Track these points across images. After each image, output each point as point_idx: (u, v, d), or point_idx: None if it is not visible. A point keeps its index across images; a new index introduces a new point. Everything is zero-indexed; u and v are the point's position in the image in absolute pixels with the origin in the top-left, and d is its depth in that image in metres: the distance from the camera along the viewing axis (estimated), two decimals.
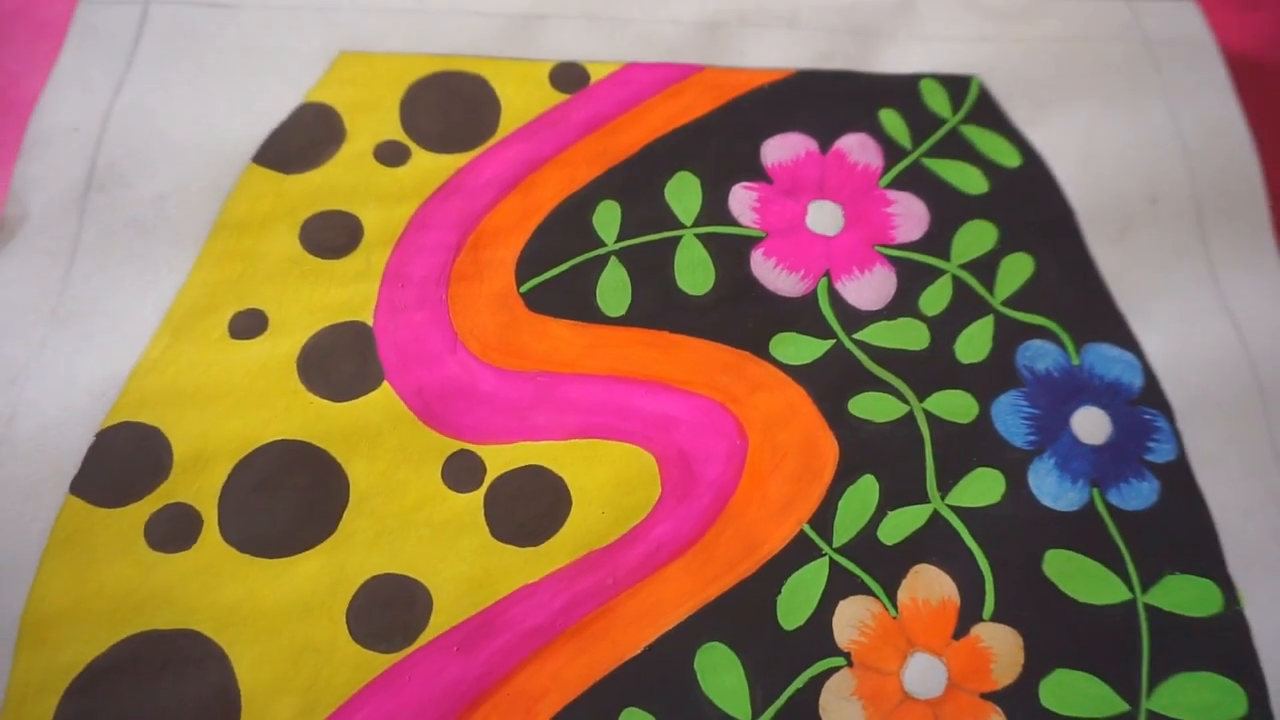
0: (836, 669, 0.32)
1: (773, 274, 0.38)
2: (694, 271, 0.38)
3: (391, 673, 0.30)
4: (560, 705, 0.31)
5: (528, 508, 0.33)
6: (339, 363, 0.35)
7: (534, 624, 0.32)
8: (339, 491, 0.33)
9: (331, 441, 0.33)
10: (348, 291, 0.36)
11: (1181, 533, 0.35)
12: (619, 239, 0.39)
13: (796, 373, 0.37)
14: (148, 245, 0.36)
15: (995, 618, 0.33)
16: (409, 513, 0.33)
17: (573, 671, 0.31)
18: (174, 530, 0.31)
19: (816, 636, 0.32)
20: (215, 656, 0.30)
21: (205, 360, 0.34)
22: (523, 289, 0.37)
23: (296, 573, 0.31)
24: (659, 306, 0.37)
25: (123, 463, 0.32)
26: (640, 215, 0.39)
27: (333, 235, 0.37)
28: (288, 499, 0.32)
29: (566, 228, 0.39)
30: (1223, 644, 0.33)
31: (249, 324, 0.35)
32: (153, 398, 0.33)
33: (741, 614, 0.32)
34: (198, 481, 0.32)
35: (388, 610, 0.31)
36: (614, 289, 0.37)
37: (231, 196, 0.37)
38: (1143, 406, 0.37)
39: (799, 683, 0.32)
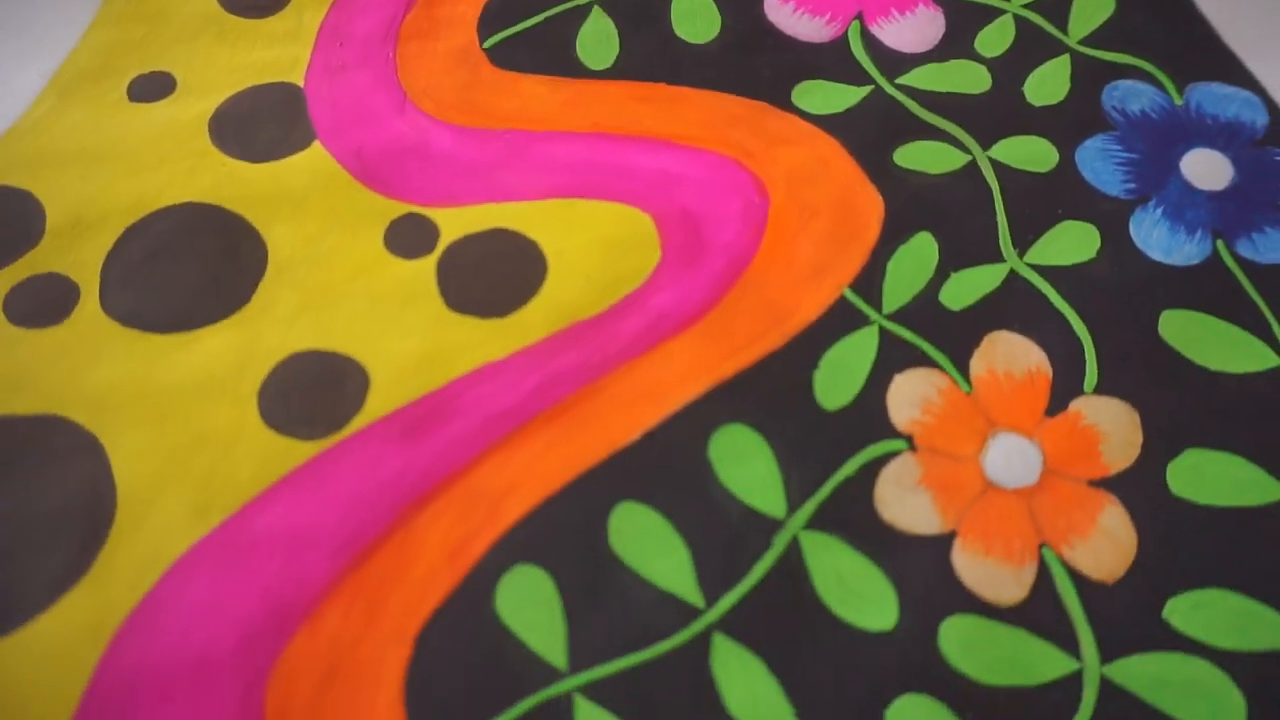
0: (895, 454, 0.24)
1: (791, 19, 0.31)
2: (694, 19, 0.31)
3: (314, 464, 0.23)
4: (532, 503, 0.23)
5: (492, 275, 0.26)
6: (260, 125, 0.28)
7: (499, 408, 0.24)
8: (254, 260, 0.26)
9: (247, 205, 0.26)
10: (274, 53, 0.29)
11: None
12: None
13: (827, 123, 0.29)
14: (28, 11, 0.30)
15: (1101, 390, 0.25)
16: (342, 283, 0.26)
17: (549, 463, 0.24)
18: (41, 303, 0.24)
19: (868, 416, 0.25)
20: (86, 446, 0.23)
21: (96, 122, 0.27)
22: (486, 44, 0.30)
23: (196, 350, 0.24)
24: (654, 56, 0.30)
25: None
26: None
27: None
28: (189, 268, 0.25)
29: None
30: None
31: (152, 87, 0.28)
32: (26, 159, 0.26)
33: (768, 392, 0.25)
34: (75, 250, 0.25)
35: (311, 392, 0.24)
36: (598, 39, 0.30)
37: None
38: (1272, 148, 0.29)
39: (847, 470, 0.24)
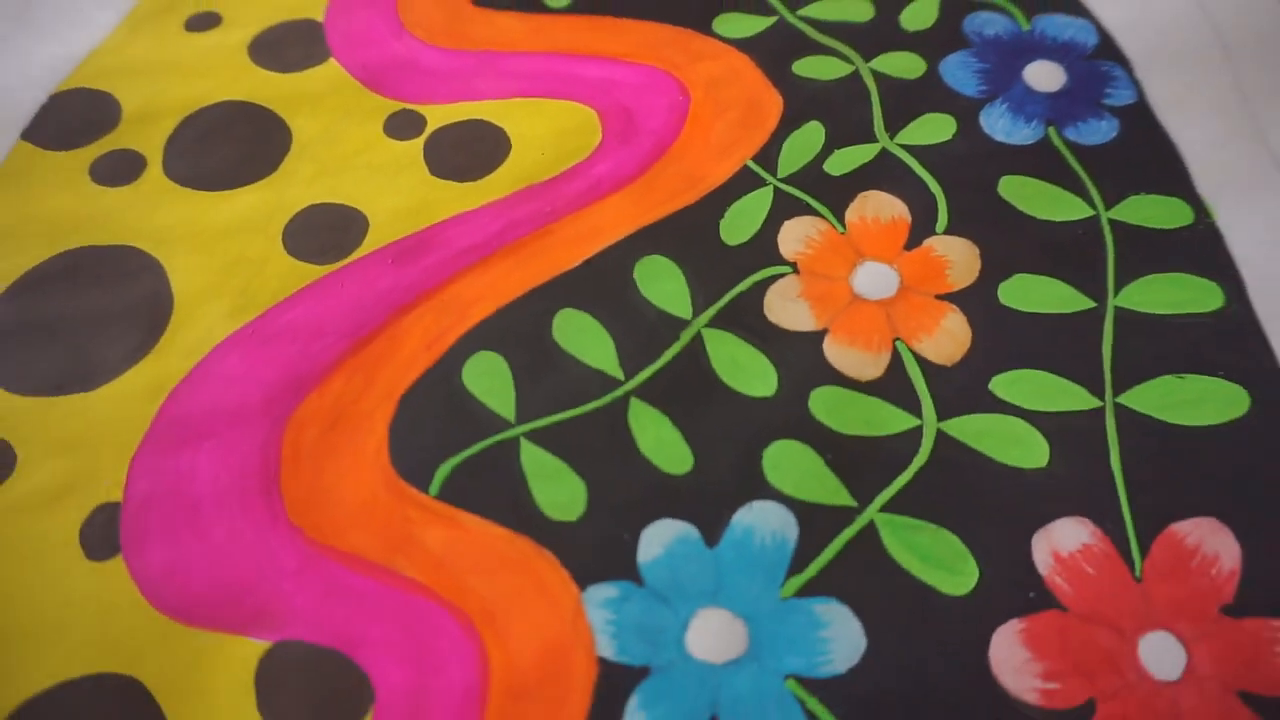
0: (782, 275, 0.29)
1: None
2: None
3: (325, 280, 0.29)
4: (493, 308, 0.28)
5: (467, 151, 0.31)
6: (288, 47, 0.34)
7: (470, 243, 0.30)
8: (281, 140, 0.32)
9: (276, 102, 0.33)
10: None
11: (1145, 162, 0.32)
12: None
13: (740, 44, 0.35)
14: None
15: (950, 232, 0.30)
16: (349, 157, 0.31)
17: (508, 282, 0.29)
18: (118, 169, 0.30)
19: (761, 250, 0.30)
20: (150, 268, 0.28)
21: (160, 47, 0.34)
22: None
23: (235, 203, 0.30)
24: None
25: (73, 117, 0.32)
26: None
27: None
28: (230, 146, 0.31)
29: None
30: (1195, 250, 0.30)
31: (203, 21, 0.35)
32: (107, 71, 0.33)
33: (683, 233, 0.30)
34: (144, 133, 0.31)
35: (324, 231, 0.29)
36: None
37: None
38: (1099, 60, 0.35)
39: (743, 286, 0.29)
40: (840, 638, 0.23)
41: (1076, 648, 0.23)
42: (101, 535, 0.24)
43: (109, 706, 0.22)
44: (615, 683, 0.23)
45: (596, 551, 0.25)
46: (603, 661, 0.23)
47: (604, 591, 0.24)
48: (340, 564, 0.24)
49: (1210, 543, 0.24)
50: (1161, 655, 0.23)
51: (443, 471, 0.26)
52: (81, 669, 0.22)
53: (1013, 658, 0.23)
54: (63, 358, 0.27)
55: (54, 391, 0.26)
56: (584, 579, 0.24)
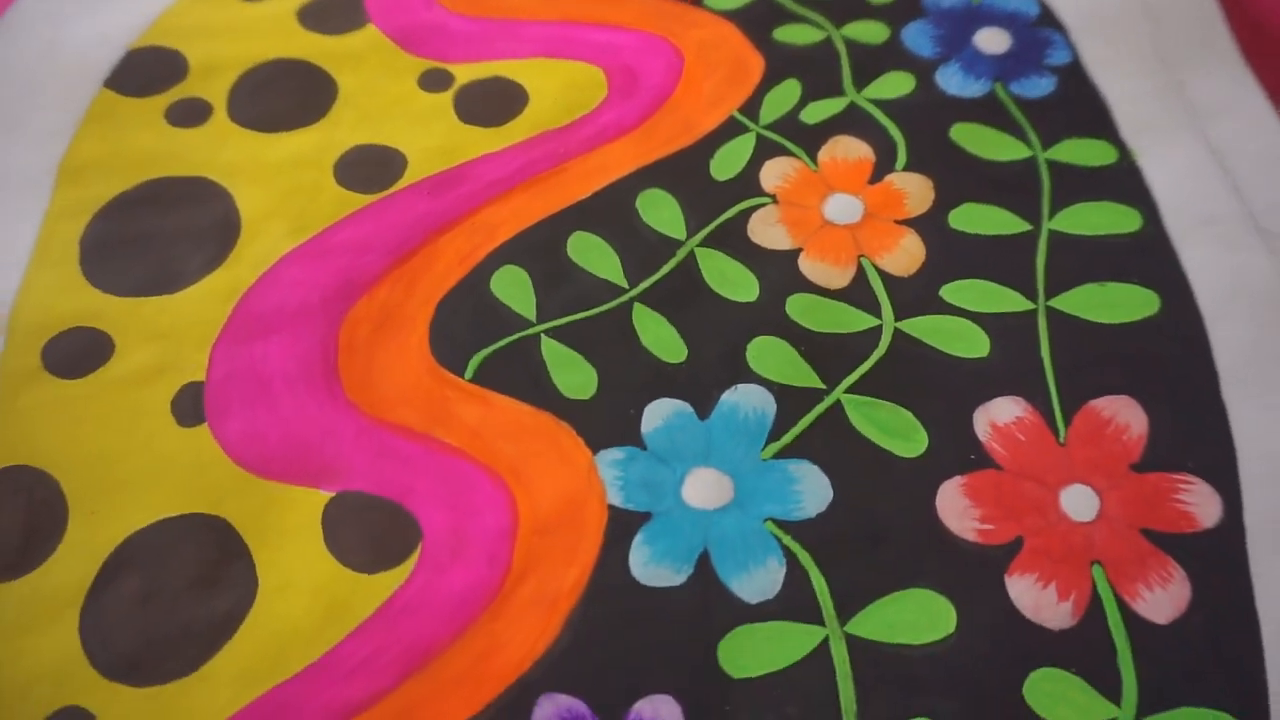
0: (763, 205, 0.34)
1: None
2: None
3: (370, 207, 0.33)
4: (517, 230, 0.33)
5: (492, 103, 0.36)
6: (332, 14, 0.39)
7: (495, 177, 0.34)
8: (328, 92, 0.36)
9: (323, 59, 0.37)
10: None
11: (1077, 112, 0.37)
12: None
13: (728, 15, 0.39)
14: None
15: (908, 169, 0.35)
16: (387, 107, 0.36)
17: (529, 209, 0.33)
18: (189, 113, 0.35)
19: (744, 184, 0.34)
20: (220, 195, 0.33)
21: (218, 14, 0.38)
22: None
23: (291, 142, 0.35)
24: None
25: (147, 69, 0.36)
26: None
27: None
28: (284, 96, 0.36)
29: None
30: (1118, 183, 0.34)
31: None
32: (174, 32, 0.37)
33: (678, 171, 0.35)
34: (209, 84, 0.36)
35: (368, 167, 0.34)
36: None
37: None
38: (1040, 28, 0.39)
39: (729, 214, 0.34)
40: (811, 490, 0.28)
41: (1008, 497, 0.28)
42: (189, 407, 0.28)
43: (202, 537, 0.26)
44: (623, 524, 0.27)
45: (607, 423, 0.29)
46: (612, 508, 0.27)
47: (613, 454, 0.28)
48: (390, 432, 0.28)
49: (1123, 415, 0.29)
50: (1079, 502, 0.28)
51: (475, 360, 0.30)
52: (178, 510, 0.27)
53: (955, 505, 0.28)
54: (150, 266, 0.31)
55: (144, 293, 0.30)
56: (596, 445, 0.28)
